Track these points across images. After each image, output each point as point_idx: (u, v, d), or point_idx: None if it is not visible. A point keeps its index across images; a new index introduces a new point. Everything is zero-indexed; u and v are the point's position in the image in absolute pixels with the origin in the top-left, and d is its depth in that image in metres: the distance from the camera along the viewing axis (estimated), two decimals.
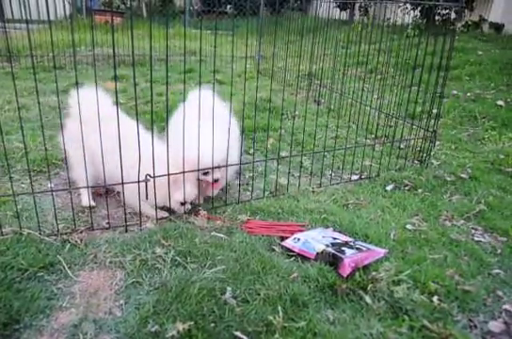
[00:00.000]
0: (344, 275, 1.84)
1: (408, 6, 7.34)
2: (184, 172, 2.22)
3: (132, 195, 2.25)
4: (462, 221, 2.45)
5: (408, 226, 2.35)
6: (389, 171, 3.07)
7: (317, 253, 1.98)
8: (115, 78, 2.13)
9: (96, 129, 2.00)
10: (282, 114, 3.90)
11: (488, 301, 1.80)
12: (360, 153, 3.17)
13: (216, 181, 2.40)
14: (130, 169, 2.14)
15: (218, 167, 2.34)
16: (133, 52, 1.94)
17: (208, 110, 2.18)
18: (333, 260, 1.93)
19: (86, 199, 2.44)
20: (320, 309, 1.69)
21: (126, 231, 2.22)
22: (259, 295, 1.72)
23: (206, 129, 2.18)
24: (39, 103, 1.98)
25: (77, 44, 6.65)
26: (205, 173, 2.37)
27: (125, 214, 2.26)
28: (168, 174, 2.18)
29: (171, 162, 2.17)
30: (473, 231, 2.36)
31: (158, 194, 2.21)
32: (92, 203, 2.43)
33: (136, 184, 2.14)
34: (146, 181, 2.16)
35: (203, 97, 2.23)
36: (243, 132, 2.79)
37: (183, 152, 2.16)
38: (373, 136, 3.68)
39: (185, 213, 2.38)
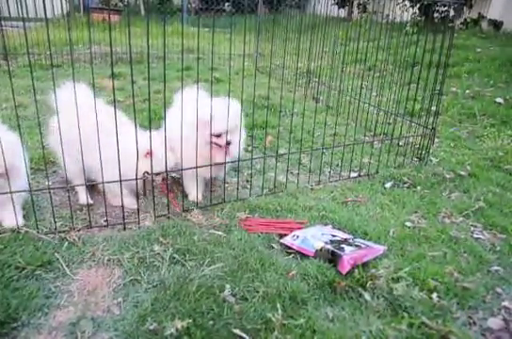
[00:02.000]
0: (344, 272, 1.84)
1: (407, 3, 7.33)
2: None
3: (113, 185, 2.20)
4: (461, 218, 2.45)
5: (408, 223, 2.35)
6: (388, 169, 3.07)
7: (316, 251, 1.98)
8: (112, 76, 2.12)
9: (74, 124, 1.94)
10: (280, 111, 3.89)
11: (487, 298, 1.80)
12: (359, 151, 3.17)
13: (228, 143, 2.32)
14: (108, 162, 2.08)
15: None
16: (130, 50, 1.94)
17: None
18: (332, 257, 1.92)
19: (83, 197, 2.44)
20: (319, 306, 1.69)
21: (124, 229, 2.21)
22: (258, 292, 1.72)
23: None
24: (36, 101, 1.97)
25: (75, 42, 6.63)
26: (218, 136, 2.31)
27: (123, 212, 2.25)
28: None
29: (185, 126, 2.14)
30: (473, 228, 2.36)
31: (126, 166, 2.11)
32: (90, 201, 2.42)
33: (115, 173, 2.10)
34: (144, 178, 2.15)
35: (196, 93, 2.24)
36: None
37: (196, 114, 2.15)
38: (371, 133, 3.68)
39: (184, 211, 2.37)
